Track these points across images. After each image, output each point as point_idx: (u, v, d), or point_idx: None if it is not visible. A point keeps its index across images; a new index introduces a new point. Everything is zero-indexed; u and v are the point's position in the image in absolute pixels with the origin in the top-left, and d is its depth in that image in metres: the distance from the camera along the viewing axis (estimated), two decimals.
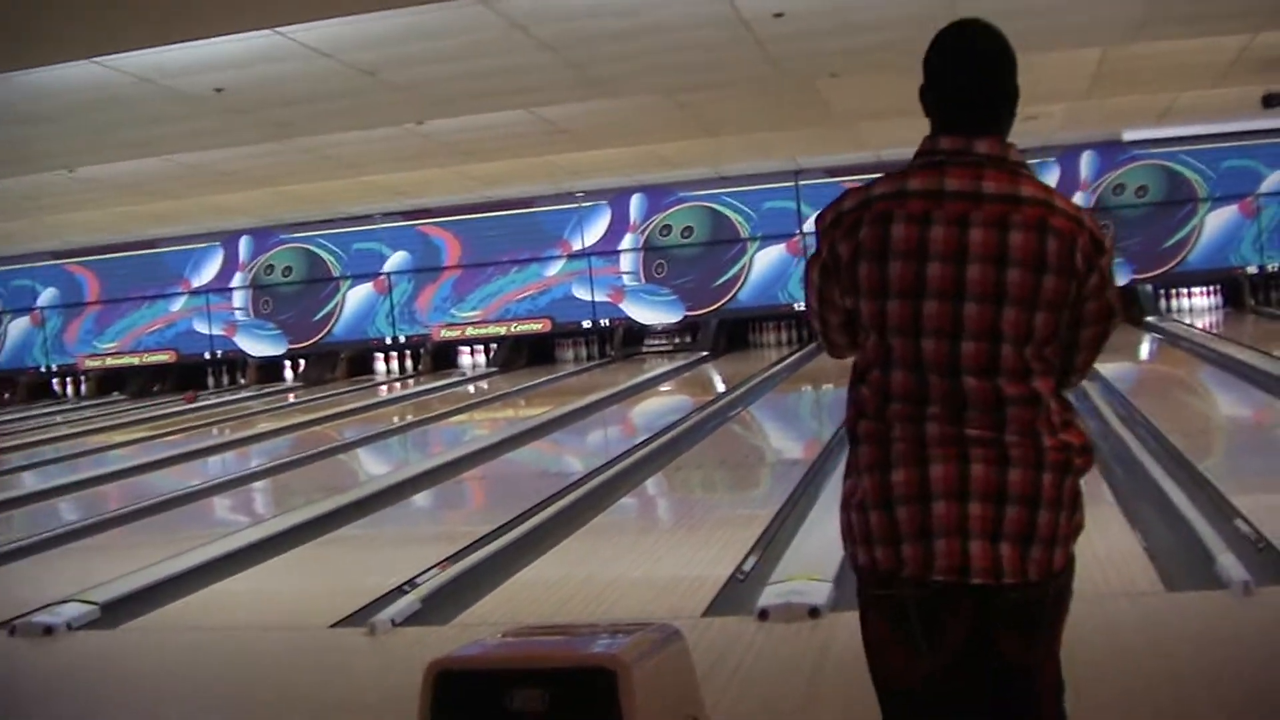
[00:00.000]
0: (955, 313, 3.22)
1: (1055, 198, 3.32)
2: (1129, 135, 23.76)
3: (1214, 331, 21.94)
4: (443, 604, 7.78)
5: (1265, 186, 24.51)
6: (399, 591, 7.99)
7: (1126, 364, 18.24)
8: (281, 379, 29.12)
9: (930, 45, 3.47)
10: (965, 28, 3.45)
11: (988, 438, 3.22)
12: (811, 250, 3.52)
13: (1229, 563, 7.00)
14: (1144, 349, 20.98)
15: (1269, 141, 23.99)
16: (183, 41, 10.79)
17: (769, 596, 6.94)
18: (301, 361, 28.84)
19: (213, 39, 10.82)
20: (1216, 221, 24.70)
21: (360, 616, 7.55)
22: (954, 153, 3.35)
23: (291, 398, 25.49)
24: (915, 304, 3.25)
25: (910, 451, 3.25)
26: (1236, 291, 25.03)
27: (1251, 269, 24.71)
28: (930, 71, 3.47)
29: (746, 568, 8.11)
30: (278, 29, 10.75)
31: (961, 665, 3.31)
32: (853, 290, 3.34)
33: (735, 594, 7.57)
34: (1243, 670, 5.60)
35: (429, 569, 8.55)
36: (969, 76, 3.41)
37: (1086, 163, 24.61)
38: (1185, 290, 25.31)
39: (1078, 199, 19.87)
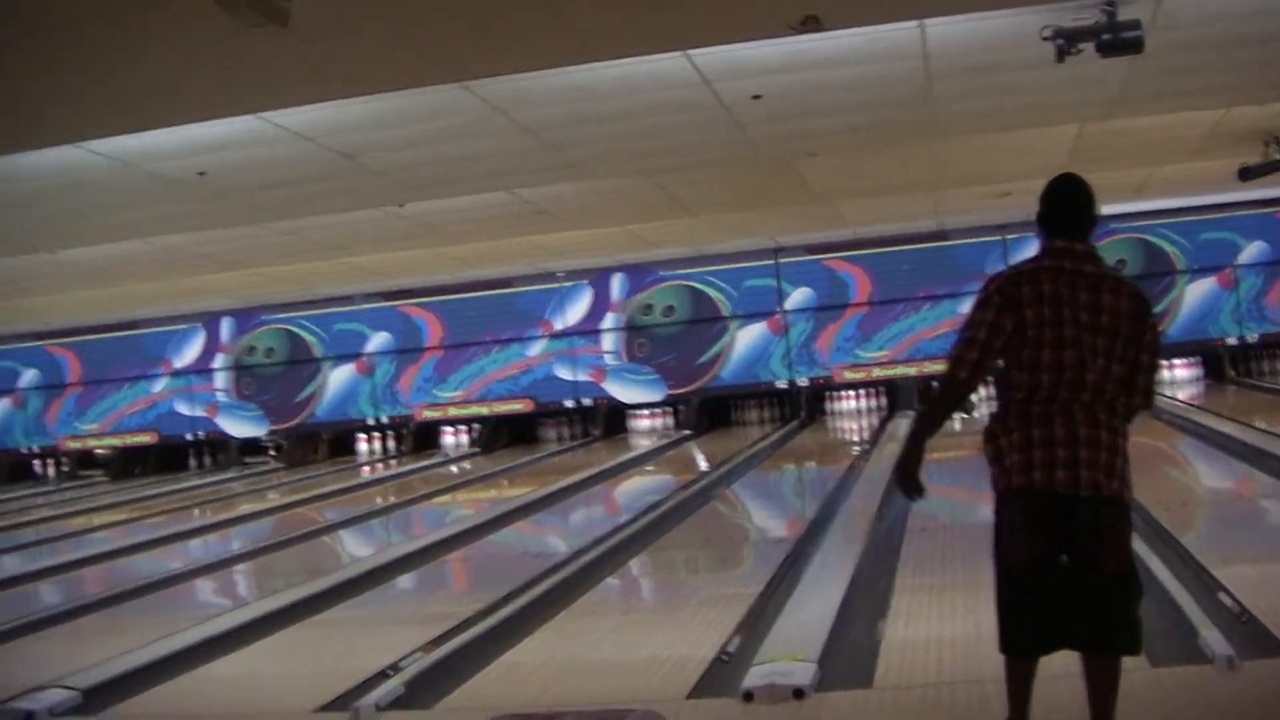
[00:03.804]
0: (1091, 342, 5.40)
1: (1119, 274, 5.84)
2: (1107, 209, 23.77)
3: (1195, 404, 21.98)
4: (427, 687, 7.75)
5: (1243, 258, 24.64)
6: (383, 675, 7.97)
7: None
8: (264, 459, 29.03)
9: (1047, 186, 5.70)
10: (1067, 179, 5.75)
11: (1091, 415, 5.40)
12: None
13: (1213, 637, 7.02)
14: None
15: (1245, 213, 24.21)
16: (165, 127, 10.84)
17: (753, 678, 6.91)
18: (282, 444, 28.73)
19: (195, 124, 10.86)
20: (1196, 293, 24.81)
21: (345, 700, 7.52)
22: (1064, 250, 5.58)
23: (274, 479, 25.43)
24: (1058, 333, 5.40)
25: (1044, 418, 5.40)
26: (1217, 363, 25.10)
27: (1231, 340, 24.80)
28: (1047, 202, 5.70)
29: (731, 648, 8.10)
30: (259, 114, 10.80)
31: (1058, 551, 5.40)
32: (1021, 322, 5.43)
33: (720, 675, 7.55)
34: None
35: (413, 652, 8.53)
36: (1069, 207, 5.67)
37: (1094, 245, 24.65)
38: (1166, 362, 25.33)
39: None
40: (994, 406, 5.70)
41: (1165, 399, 22.65)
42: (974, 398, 6.15)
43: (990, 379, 5.69)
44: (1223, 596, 8.19)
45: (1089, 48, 9.79)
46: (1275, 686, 6.47)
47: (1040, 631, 5.41)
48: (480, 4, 8.07)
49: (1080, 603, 5.36)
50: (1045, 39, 9.81)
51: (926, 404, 5.73)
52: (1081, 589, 5.37)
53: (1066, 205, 5.67)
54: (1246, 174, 16.85)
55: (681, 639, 8.66)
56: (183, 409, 28.98)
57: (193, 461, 29.69)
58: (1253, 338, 24.80)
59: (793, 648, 7.50)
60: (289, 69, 9.00)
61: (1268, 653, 7.02)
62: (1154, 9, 9.83)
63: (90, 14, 7.53)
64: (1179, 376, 25.25)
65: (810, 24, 8.68)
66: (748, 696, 6.69)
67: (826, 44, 9.92)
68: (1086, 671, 5.43)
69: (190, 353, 28.82)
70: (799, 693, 6.65)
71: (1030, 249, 23.53)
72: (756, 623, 8.74)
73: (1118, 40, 9.74)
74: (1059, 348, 5.38)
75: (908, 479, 5.69)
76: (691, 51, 10.02)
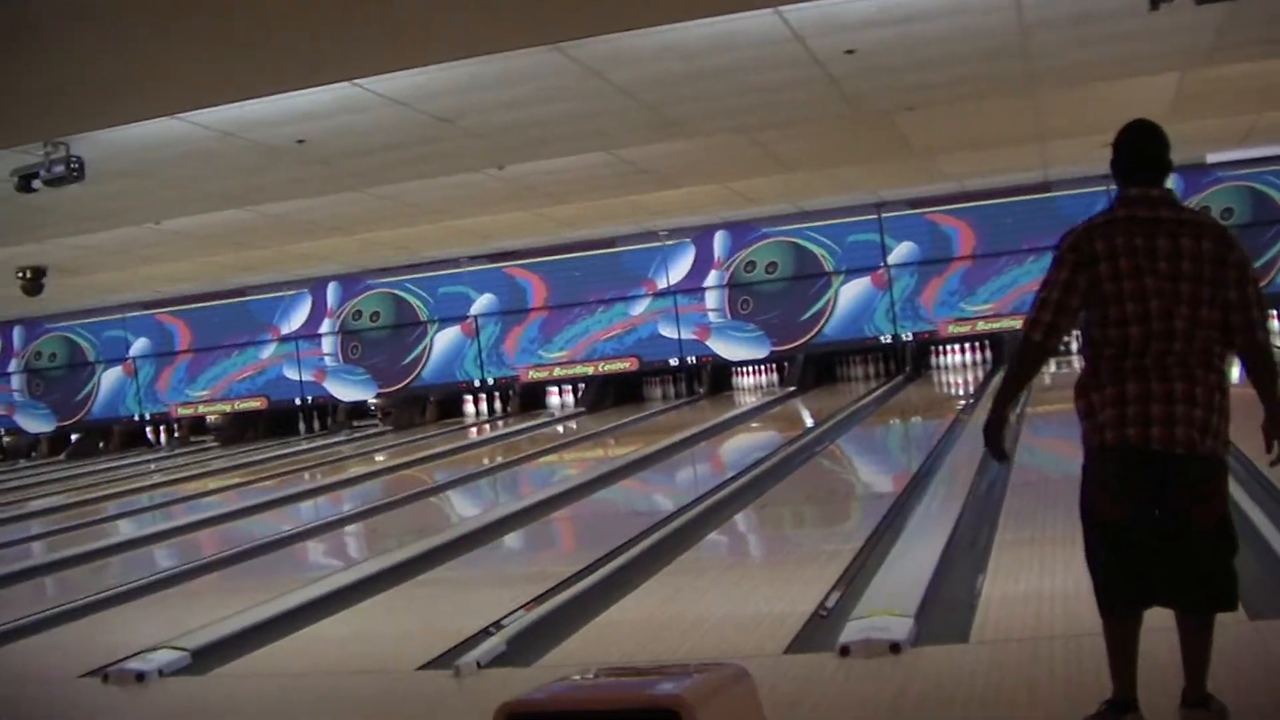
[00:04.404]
0: (1174, 289, 5.23)
1: (1199, 215, 5.62)
2: (1213, 158, 23.61)
3: None
4: (528, 645, 7.83)
5: None
6: (485, 634, 8.06)
7: None
8: (372, 422, 29.29)
9: (1119, 134, 5.54)
10: (1138, 125, 5.57)
11: (1186, 370, 5.23)
12: (1047, 265, 5.49)
13: None
14: (1233, 371, 20.79)
15: None
16: (263, 95, 10.95)
17: (850, 633, 6.94)
18: (390, 410, 28.95)
19: (291, 93, 10.96)
20: None
21: (447, 659, 7.60)
22: (1138, 197, 5.43)
23: (382, 441, 25.64)
24: (1139, 284, 5.23)
25: (1138, 373, 5.23)
26: None
27: None
28: (1119, 150, 5.51)
29: (830, 604, 8.13)
30: (354, 81, 10.89)
31: (1150, 509, 5.26)
32: (1096, 277, 5.28)
33: (818, 630, 7.58)
34: None
35: (516, 610, 8.63)
36: (1140, 154, 5.51)
37: (1171, 186, 24.41)
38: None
39: None
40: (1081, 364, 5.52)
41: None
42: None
43: (1078, 337, 5.61)
44: None
45: None
46: None
47: (1134, 586, 5.27)
48: None
49: (1172, 559, 5.23)
50: None
51: (1008, 368, 5.56)
52: (1174, 545, 5.23)
53: (1138, 151, 5.53)
54: None
55: (782, 594, 8.69)
56: (291, 374, 29.28)
57: (302, 426, 30.00)
58: None
59: (891, 603, 7.52)
60: (383, 35, 9.08)
61: None
62: None
63: None
64: None
65: None
66: (844, 651, 6.71)
67: None
68: (1181, 628, 5.29)
69: (297, 318, 29.12)
70: (895, 647, 6.67)
71: None
72: (856, 578, 8.75)
73: None
74: (1142, 299, 5.23)
75: (992, 443, 5.61)
76: (783, 8, 10.00)
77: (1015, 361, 5.70)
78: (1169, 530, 5.25)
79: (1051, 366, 23.71)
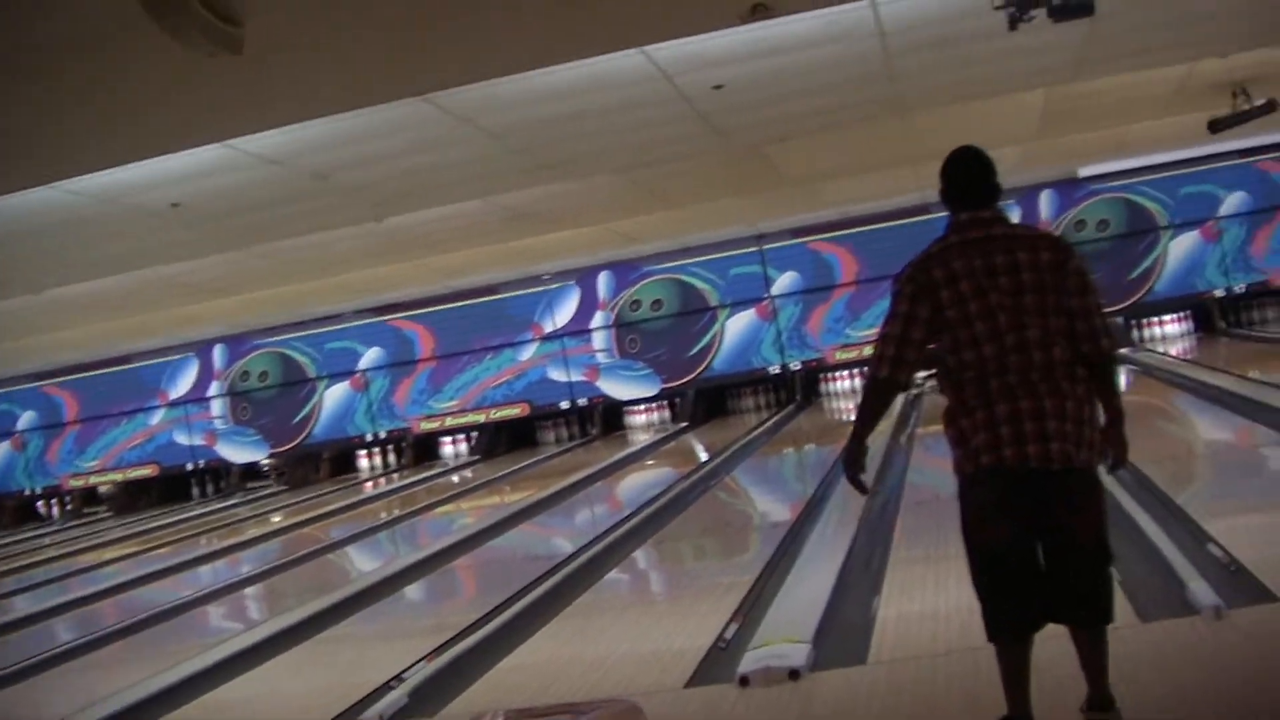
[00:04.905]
0: (1018, 302, 5.31)
1: (1033, 229, 5.86)
2: (1085, 171, 23.94)
3: (1187, 358, 22.07)
4: (431, 696, 7.85)
5: (1224, 209, 24.74)
6: (387, 687, 8.06)
7: None
8: (266, 483, 29.08)
9: (944, 162, 5.67)
10: (961, 152, 5.68)
11: (1053, 385, 5.28)
12: (888, 300, 5.58)
13: (1200, 589, 7.11)
14: (1119, 381, 21.02)
15: (1224, 164, 24.24)
16: (130, 162, 10.89)
17: (749, 662, 7.00)
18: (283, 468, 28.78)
19: (164, 156, 10.91)
20: (1180, 248, 24.89)
21: (351, 714, 7.61)
22: (969, 221, 5.55)
23: (277, 501, 25.48)
24: (984, 303, 5.32)
25: (1005, 393, 5.27)
26: (1207, 316, 25.15)
27: (1219, 292, 24.88)
28: (946, 177, 5.68)
29: (729, 635, 8.19)
30: (227, 143, 10.86)
31: (1031, 529, 5.31)
32: (938, 305, 5.37)
33: (718, 662, 7.64)
34: (1218, 694, 5.69)
35: (417, 662, 8.63)
36: (967, 179, 5.64)
37: (1046, 202, 24.76)
38: (1156, 319, 25.42)
39: None
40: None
41: (1157, 355, 22.78)
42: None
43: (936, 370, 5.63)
44: (1212, 548, 8.28)
45: (1041, 14, 9.85)
46: (1263, 633, 6.55)
47: (1018, 613, 5.34)
48: (431, 16, 8.11)
49: (1057, 578, 5.33)
50: (997, 8, 9.86)
51: (859, 405, 5.51)
52: (1060, 563, 5.33)
53: (964, 178, 5.63)
54: (1216, 126, 16.89)
55: (681, 629, 8.76)
56: (181, 439, 29.02)
57: (195, 490, 29.71)
58: (1240, 288, 24.88)
59: (788, 630, 7.59)
60: (248, 95, 9.04)
61: (1257, 600, 7.10)
62: None
63: (51, 53, 7.58)
64: (1169, 332, 25.32)
65: (760, 13, 8.71)
66: (743, 682, 6.77)
67: (782, 30, 9.92)
68: (1075, 640, 5.37)
69: (185, 382, 28.86)
70: (794, 674, 6.74)
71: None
72: (754, 607, 8.83)
73: (1068, 4, 9.78)
74: (989, 317, 5.31)
75: (850, 477, 5.70)
76: (649, 47, 10.07)
77: (864, 399, 5.74)
78: (1053, 547, 5.33)
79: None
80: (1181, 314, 25.45)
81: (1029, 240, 5.48)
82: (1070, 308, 5.35)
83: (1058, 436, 5.24)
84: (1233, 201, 24.72)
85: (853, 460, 5.67)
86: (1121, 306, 24.54)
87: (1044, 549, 5.35)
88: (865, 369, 25.35)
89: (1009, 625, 5.36)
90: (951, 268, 5.40)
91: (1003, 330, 5.29)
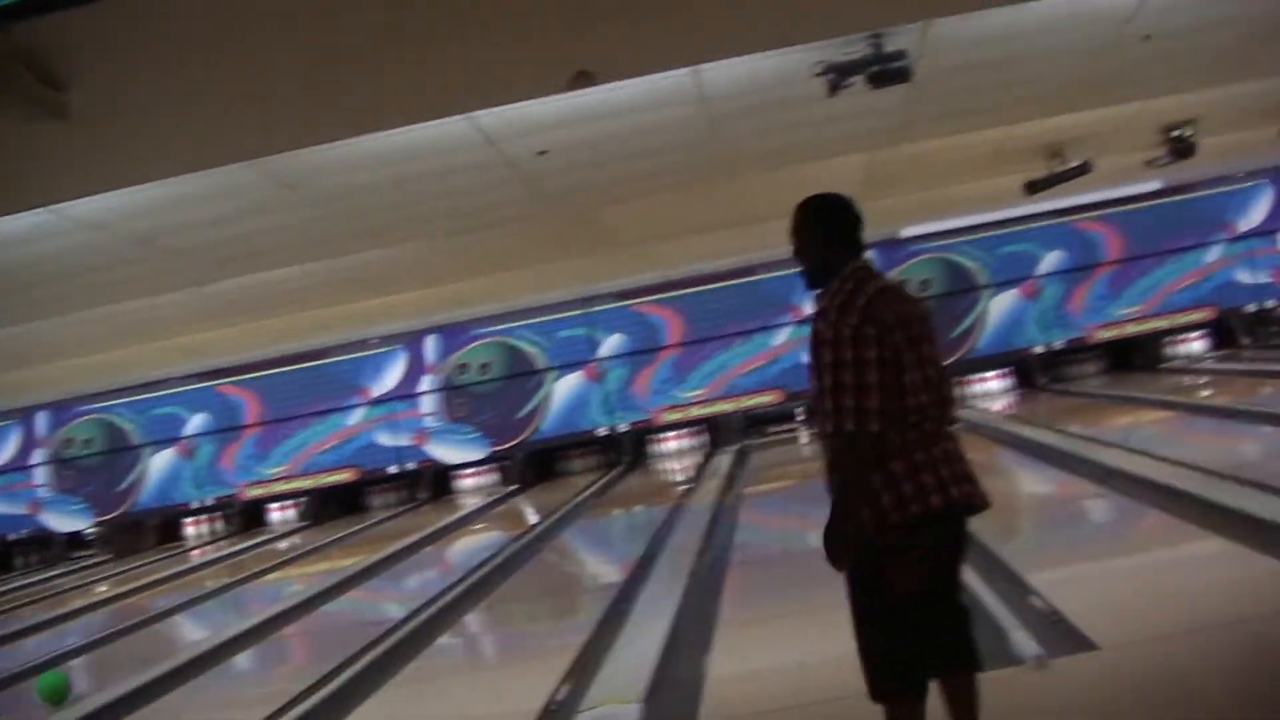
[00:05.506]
0: (930, 353, 5.31)
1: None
2: (907, 232, 24.30)
3: (1009, 413, 22.42)
4: None
5: (1043, 268, 25.38)
6: None
7: None
8: (91, 551, 28.58)
9: (826, 207, 5.50)
10: (837, 197, 5.57)
11: (947, 431, 5.33)
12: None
13: (1022, 639, 7.25)
14: None
15: (1043, 224, 24.88)
16: None
17: None
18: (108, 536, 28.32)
19: None
20: (1001, 306, 25.48)
21: None
22: (869, 265, 5.49)
23: (103, 571, 25.06)
24: (917, 351, 5.24)
25: (924, 440, 5.20)
26: (1027, 372, 25.68)
27: (1039, 349, 25.47)
28: (842, 219, 5.49)
29: (560, 697, 8.18)
30: (49, 208, 10.76)
31: (947, 568, 5.29)
32: (894, 349, 5.16)
33: None
34: None
35: None
36: (858, 221, 5.54)
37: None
38: (978, 376, 25.85)
39: None
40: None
41: (979, 410, 23.12)
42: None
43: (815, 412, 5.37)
44: (1034, 599, 8.42)
45: (859, 80, 10.06)
46: (1084, 681, 6.69)
47: (929, 662, 5.21)
48: (256, 84, 8.11)
49: (954, 619, 5.33)
50: (817, 75, 10.06)
51: (844, 474, 5.16)
52: (951, 608, 5.33)
53: (853, 221, 5.50)
54: (1033, 187, 17.26)
55: (511, 692, 8.75)
56: (3, 508, 28.49)
57: (18, 560, 29.15)
58: (1059, 344, 25.47)
59: (619, 690, 7.62)
60: (72, 161, 8.99)
61: (1078, 649, 7.26)
62: (920, 38, 10.10)
63: None
64: (992, 388, 25.75)
65: (583, 80, 8.83)
66: None
67: (605, 97, 10.07)
68: (950, 689, 5.30)
69: (5, 451, 28.41)
70: None
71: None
72: (585, 669, 8.83)
73: (886, 71, 10.02)
74: (922, 366, 5.26)
75: (847, 555, 5.16)
76: (473, 114, 10.14)
77: (854, 464, 5.14)
78: (952, 589, 5.35)
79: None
80: (1003, 370, 25.91)
81: (908, 293, 5.57)
82: (940, 358, 5.41)
83: (969, 479, 5.31)
84: (1051, 260, 25.32)
85: (850, 544, 5.17)
86: (945, 363, 24.79)
87: (949, 591, 5.35)
88: (689, 429, 25.71)
89: (919, 677, 5.19)
90: (897, 311, 5.26)
91: (930, 380, 5.27)
